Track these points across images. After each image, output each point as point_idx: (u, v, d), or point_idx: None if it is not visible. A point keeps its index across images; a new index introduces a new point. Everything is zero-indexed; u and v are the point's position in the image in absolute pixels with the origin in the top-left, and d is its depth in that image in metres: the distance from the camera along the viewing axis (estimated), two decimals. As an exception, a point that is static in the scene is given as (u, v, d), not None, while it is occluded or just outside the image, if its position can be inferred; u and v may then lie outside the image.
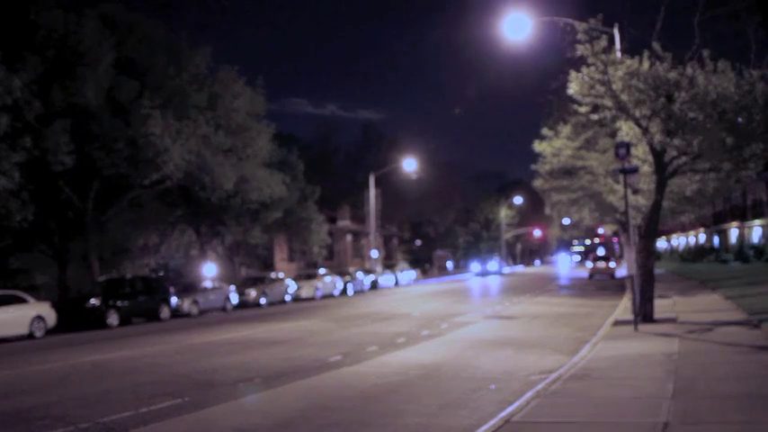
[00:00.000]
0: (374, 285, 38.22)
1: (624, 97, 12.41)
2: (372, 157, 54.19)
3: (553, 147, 19.28)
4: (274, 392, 8.50)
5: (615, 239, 51.58)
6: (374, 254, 43.07)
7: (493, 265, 55.98)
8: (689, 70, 12.27)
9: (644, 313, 13.83)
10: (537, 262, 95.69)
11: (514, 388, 8.07)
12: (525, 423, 6.09)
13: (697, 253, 52.68)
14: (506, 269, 61.29)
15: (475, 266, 56.87)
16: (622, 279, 30.96)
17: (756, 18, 14.91)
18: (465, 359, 10.86)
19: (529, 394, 7.35)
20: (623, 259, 31.11)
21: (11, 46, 19.86)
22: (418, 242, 62.68)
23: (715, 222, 50.67)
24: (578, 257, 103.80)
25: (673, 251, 65.66)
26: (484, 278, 48.85)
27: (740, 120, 12.52)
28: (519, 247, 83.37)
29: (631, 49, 13.30)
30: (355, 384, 8.94)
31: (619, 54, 13.47)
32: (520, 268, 76.02)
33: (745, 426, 5.56)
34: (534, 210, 65.02)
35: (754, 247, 40.42)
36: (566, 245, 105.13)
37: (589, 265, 45.45)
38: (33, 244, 24.39)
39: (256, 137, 27.37)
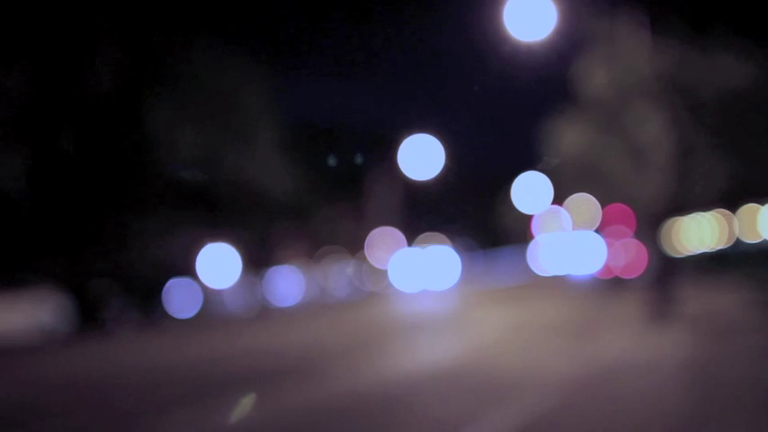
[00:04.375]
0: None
1: (645, 75, 12.28)
2: (380, 149, 53.87)
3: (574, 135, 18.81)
4: (280, 395, 8.25)
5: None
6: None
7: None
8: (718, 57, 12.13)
9: (663, 310, 13.41)
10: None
11: (535, 390, 7.75)
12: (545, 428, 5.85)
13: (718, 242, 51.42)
14: None
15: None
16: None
17: None
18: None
19: (547, 397, 7.05)
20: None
21: (11, 35, 19.85)
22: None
23: (736, 199, 49.38)
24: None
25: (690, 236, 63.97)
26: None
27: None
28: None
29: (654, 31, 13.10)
30: (372, 383, 8.71)
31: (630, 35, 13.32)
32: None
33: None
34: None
35: None
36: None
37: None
38: (38, 242, 24.34)
39: (267, 126, 27.49)
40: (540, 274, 34.27)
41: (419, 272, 31.61)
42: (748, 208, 46.74)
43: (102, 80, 21.47)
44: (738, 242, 49.30)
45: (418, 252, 33.96)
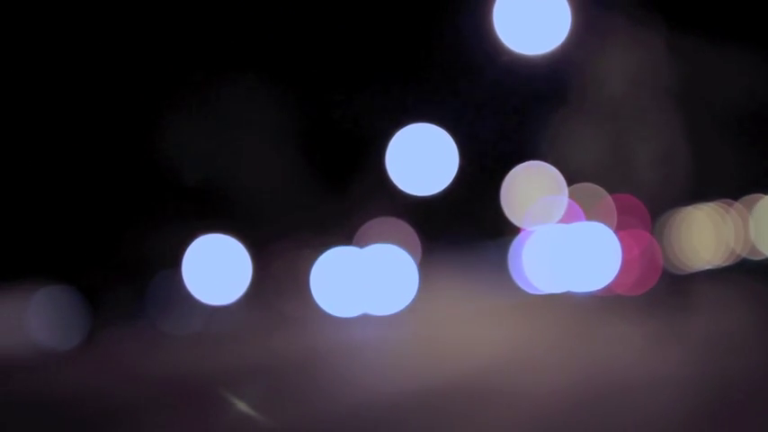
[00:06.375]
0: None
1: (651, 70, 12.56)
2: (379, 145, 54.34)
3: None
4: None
5: None
6: None
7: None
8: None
9: (666, 321, 13.27)
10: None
11: (528, 407, 7.34)
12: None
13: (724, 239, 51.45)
14: None
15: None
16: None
17: None
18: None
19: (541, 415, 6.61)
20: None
21: (17, 36, 20.62)
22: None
23: (739, 190, 49.47)
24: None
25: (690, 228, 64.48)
26: None
27: None
28: None
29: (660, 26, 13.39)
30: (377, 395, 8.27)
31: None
32: None
33: None
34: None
35: None
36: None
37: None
38: (46, 255, 24.78)
39: (269, 130, 28.31)
40: (529, 290, 22.87)
41: (358, 285, 22.34)
42: (751, 199, 46.91)
43: (103, 78, 22.21)
44: (744, 261, 49.08)
45: (356, 254, 24.32)
